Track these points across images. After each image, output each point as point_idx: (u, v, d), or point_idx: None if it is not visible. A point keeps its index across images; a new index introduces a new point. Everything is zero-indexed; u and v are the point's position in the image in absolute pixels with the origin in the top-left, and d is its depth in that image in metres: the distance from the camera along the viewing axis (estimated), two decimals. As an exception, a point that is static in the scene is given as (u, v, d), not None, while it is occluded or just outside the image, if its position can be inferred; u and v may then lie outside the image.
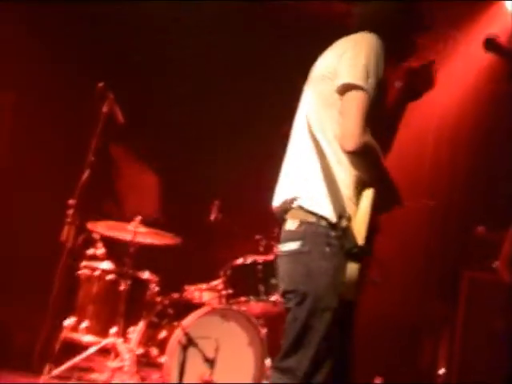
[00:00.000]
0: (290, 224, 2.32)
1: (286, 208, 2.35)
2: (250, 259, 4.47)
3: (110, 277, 4.44)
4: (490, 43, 2.34)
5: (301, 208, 2.29)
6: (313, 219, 2.25)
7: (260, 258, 4.48)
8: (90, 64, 5.40)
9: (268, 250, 4.63)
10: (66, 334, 4.26)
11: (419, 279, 6.29)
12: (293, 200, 2.32)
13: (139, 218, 4.41)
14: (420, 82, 2.53)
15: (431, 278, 6.36)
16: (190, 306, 4.15)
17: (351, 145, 2.18)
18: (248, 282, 4.41)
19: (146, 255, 4.61)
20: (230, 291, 4.41)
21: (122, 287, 4.43)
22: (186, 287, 4.58)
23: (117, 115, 4.39)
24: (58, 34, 5.56)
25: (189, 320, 3.93)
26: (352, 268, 2.17)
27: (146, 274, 4.56)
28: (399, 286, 6.03)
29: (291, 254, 2.30)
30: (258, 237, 4.79)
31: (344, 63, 2.28)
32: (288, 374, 2.21)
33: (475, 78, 6.26)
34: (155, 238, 4.63)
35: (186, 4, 5.47)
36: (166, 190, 5.75)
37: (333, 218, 2.22)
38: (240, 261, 4.47)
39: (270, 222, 4.75)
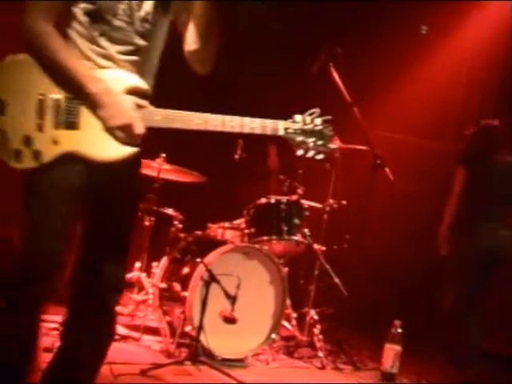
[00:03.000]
0: None
1: None
2: (273, 199, 4.47)
3: (135, 212, 4.48)
4: None
5: None
6: None
7: (284, 198, 4.48)
8: None
9: (292, 190, 4.63)
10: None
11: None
12: None
13: (164, 155, 4.42)
14: None
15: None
16: (212, 244, 4.17)
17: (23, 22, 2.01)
18: (271, 222, 4.42)
19: (170, 193, 4.63)
20: (253, 230, 4.43)
21: (147, 223, 4.49)
22: (209, 225, 4.61)
23: None
24: None
25: (211, 257, 3.95)
26: None
27: (170, 211, 4.60)
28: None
29: None
30: (282, 177, 4.79)
31: None
32: None
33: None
34: (179, 175, 4.65)
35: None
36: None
37: None
38: (263, 200, 4.48)
39: (294, 163, 4.72)
